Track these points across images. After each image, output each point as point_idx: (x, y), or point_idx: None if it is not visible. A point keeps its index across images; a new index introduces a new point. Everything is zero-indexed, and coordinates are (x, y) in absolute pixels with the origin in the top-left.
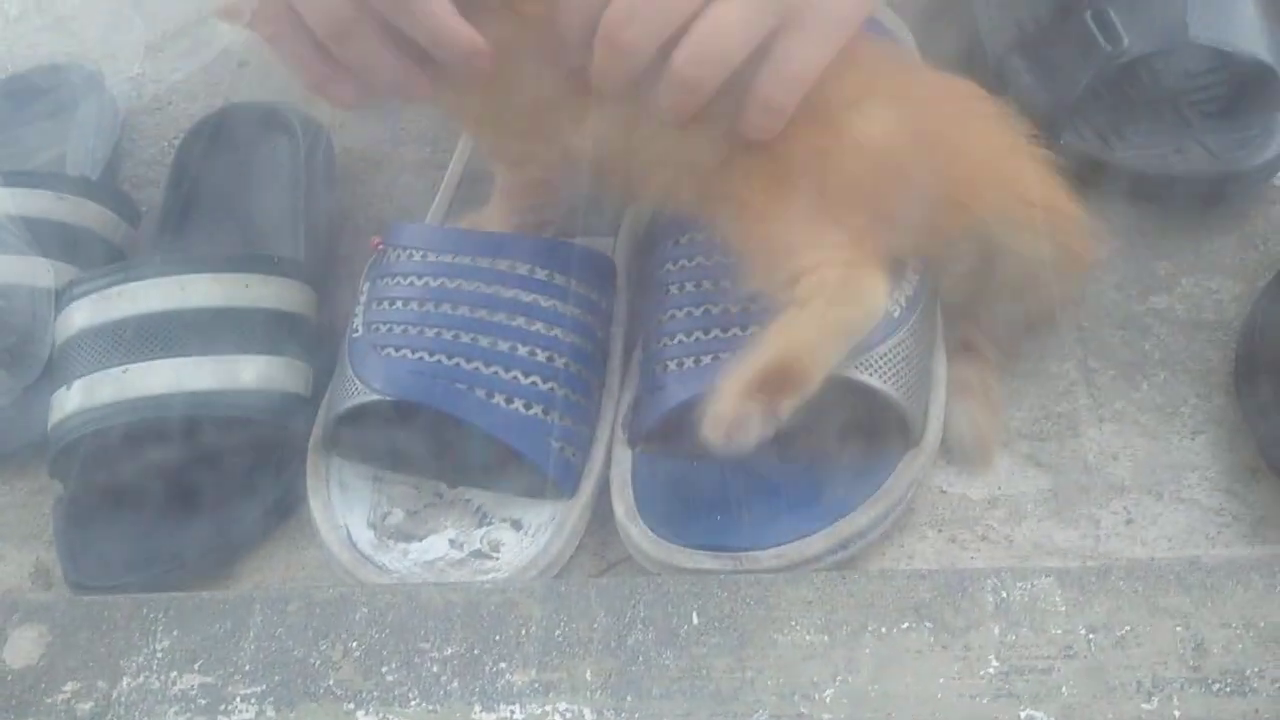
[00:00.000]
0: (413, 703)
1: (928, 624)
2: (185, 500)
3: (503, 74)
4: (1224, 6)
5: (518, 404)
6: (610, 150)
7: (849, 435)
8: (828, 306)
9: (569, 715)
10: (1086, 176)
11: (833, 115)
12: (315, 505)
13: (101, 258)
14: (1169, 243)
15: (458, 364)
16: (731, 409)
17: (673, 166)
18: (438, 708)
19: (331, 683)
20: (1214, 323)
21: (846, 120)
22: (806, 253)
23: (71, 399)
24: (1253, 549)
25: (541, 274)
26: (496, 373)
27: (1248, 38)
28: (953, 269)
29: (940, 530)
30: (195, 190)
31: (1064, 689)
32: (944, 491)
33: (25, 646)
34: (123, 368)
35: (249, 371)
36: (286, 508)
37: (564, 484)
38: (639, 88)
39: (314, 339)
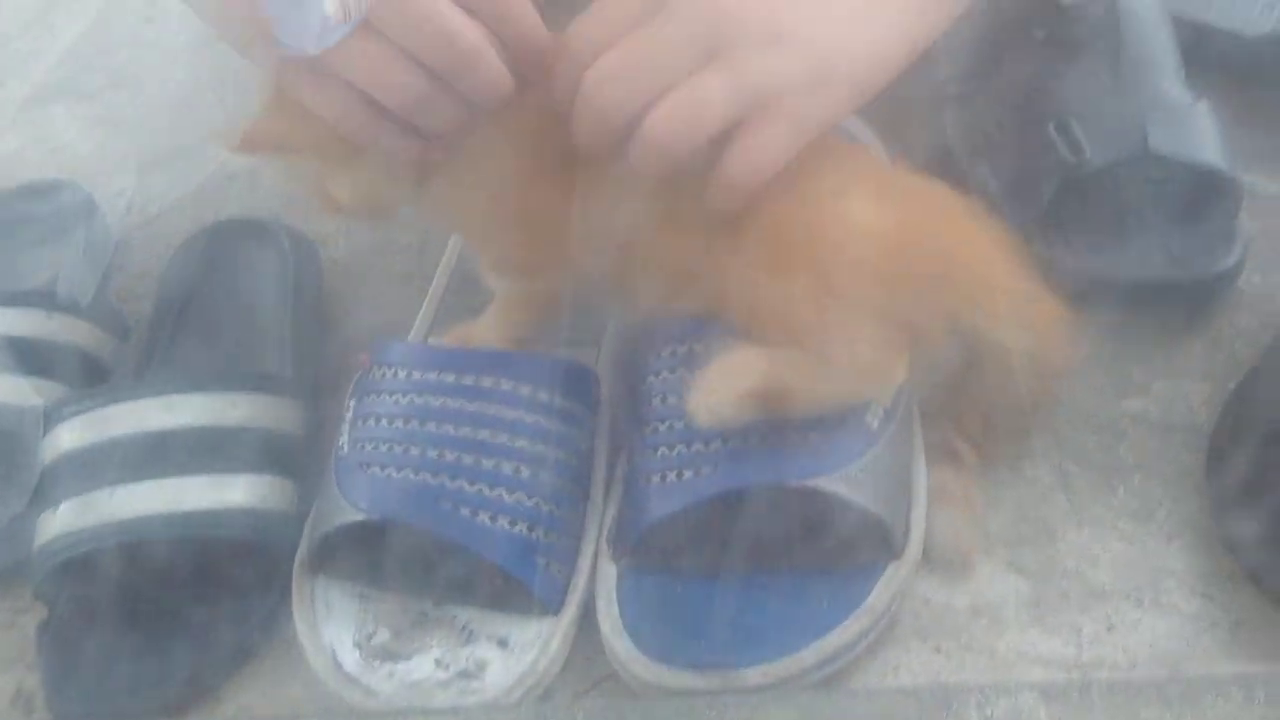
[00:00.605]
0: None
1: None
2: (171, 623)
3: (517, 169)
4: (1182, 118)
5: (503, 521)
6: (616, 252)
7: (831, 548)
8: (850, 375)
9: None
10: (1056, 283)
11: (822, 202)
12: (301, 626)
13: (90, 375)
14: (1140, 347)
15: (443, 482)
16: (722, 401)
17: (679, 266)
18: None
19: None
20: (1186, 426)
21: (836, 207)
22: (836, 328)
23: (58, 521)
24: (1231, 656)
25: (526, 390)
26: (481, 490)
27: (1206, 147)
28: (935, 364)
29: (925, 640)
30: (184, 306)
31: None
32: (927, 601)
33: None
34: (110, 489)
35: (236, 491)
36: (272, 628)
37: (550, 601)
38: (617, 148)
39: (301, 455)
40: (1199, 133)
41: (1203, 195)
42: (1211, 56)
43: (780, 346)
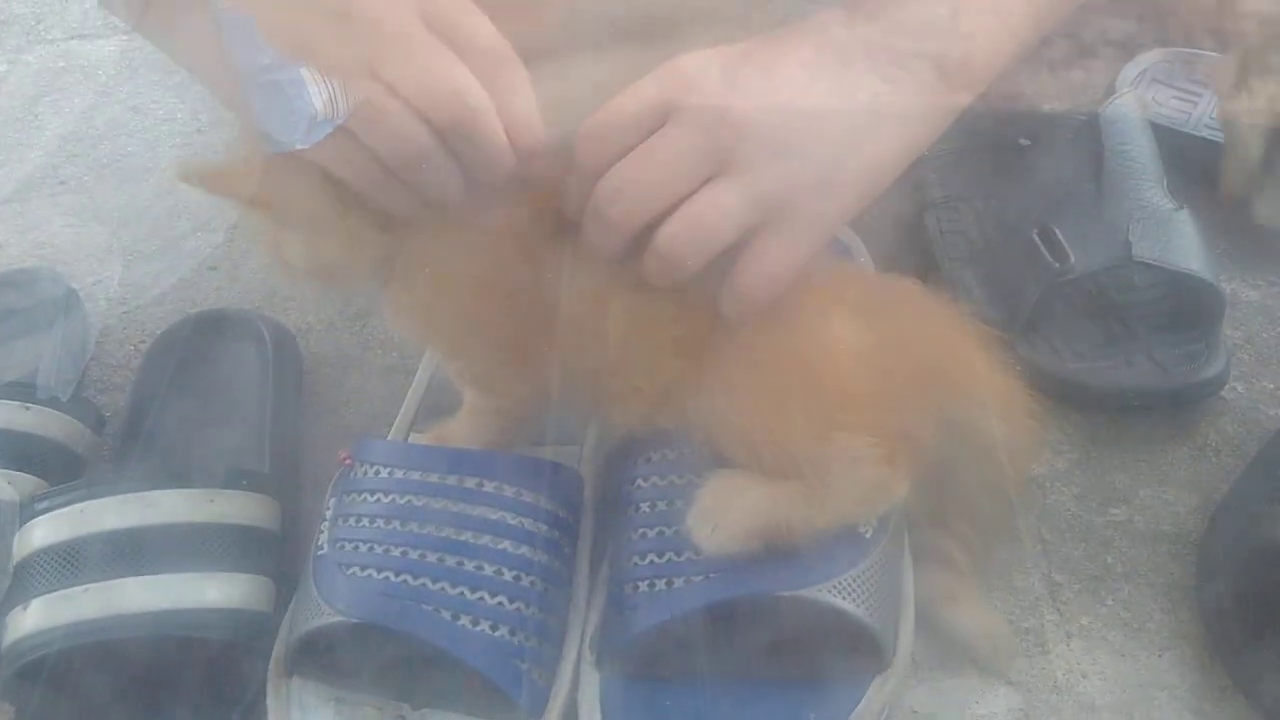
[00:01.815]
0: None
1: None
2: None
3: (482, 284)
4: (1165, 226)
5: (484, 625)
6: (593, 376)
7: (820, 658)
8: (854, 500)
9: None
10: (1040, 388)
11: (808, 325)
12: None
13: (66, 468)
14: (1124, 454)
15: (424, 584)
16: (729, 537)
17: (663, 392)
18: None
19: None
20: (1173, 535)
21: (823, 330)
22: (837, 444)
23: (29, 619)
24: None
25: (509, 491)
26: (463, 593)
27: (1189, 255)
28: (925, 465)
29: None
30: (161, 399)
31: None
32: (915, 712)
33: None
34: (83, 587)
35: (212, 590)
36: None
37: (531, 707)
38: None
39: (278, 554)
40: (1182, 240)
41: (1186, 302)
42: (1190, 164)
43: (778, 474)
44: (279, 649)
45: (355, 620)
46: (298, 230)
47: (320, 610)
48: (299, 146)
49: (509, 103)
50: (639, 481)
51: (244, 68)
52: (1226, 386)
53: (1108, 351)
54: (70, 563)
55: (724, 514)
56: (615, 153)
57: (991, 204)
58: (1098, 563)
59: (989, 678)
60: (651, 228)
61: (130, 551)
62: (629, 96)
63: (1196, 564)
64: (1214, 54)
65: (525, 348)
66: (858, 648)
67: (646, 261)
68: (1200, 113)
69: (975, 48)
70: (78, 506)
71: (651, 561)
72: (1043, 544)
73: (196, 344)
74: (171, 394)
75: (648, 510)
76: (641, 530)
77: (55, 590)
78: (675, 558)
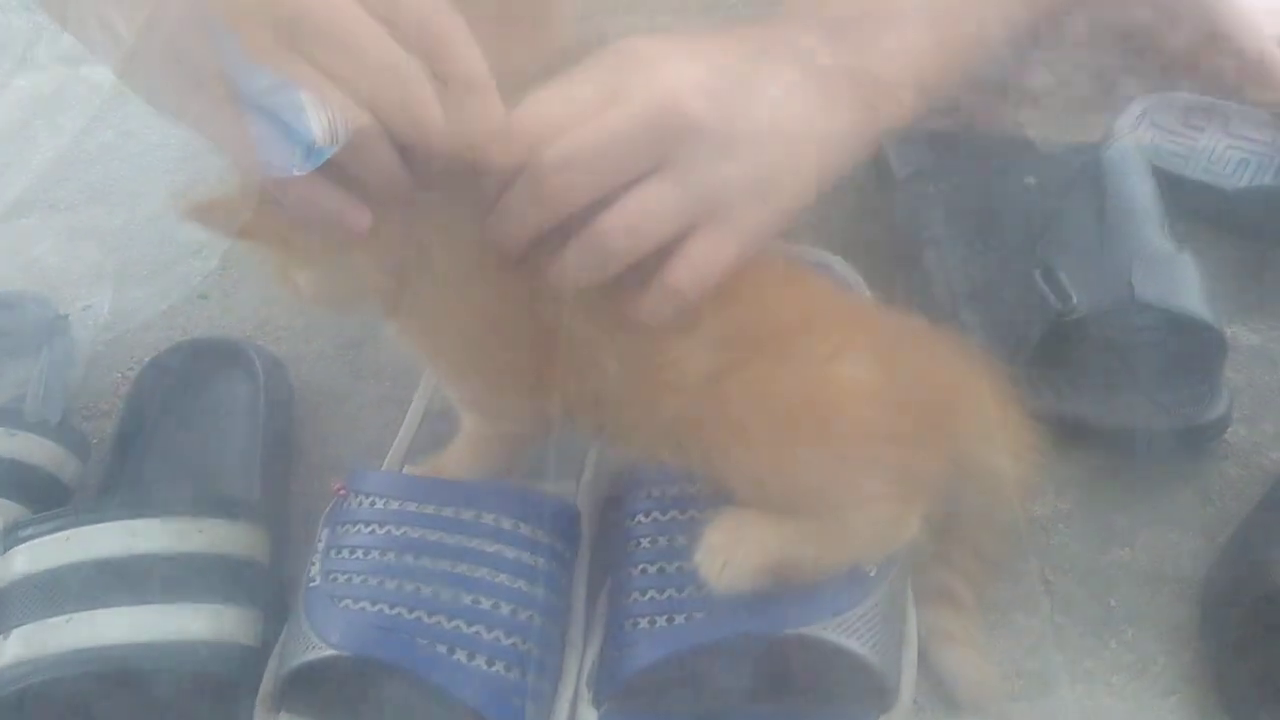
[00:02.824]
0: None
1: None
2: None
3: (490, 310)
4: (1167, 268)
5: (480, 660)
6: (598, 410)
7: (823, 696)
8: (867, 540)
9: None
10: (1042, 428)
11: (820, 369)
12: None
13: (50, 496)
14: (1126, 495)
15: (419, 618)
16: (739, 575)
17: (670, 432)
18: None
19: None
20: (1175, 577)
21: (836, 373)
22: (850, 483)
23: (9, 649)
24: None
25: (507, 524)
26: (459, 627)
27: (1190, 298)
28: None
29: None
30: (149, 426)
31: None
32: None
33: None
34: (66, 617)
35: (198, 622)
36: None
37: None
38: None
39: (267, 586)
40: (1184, 282)
41: (1188, 344)
42: (1191, 209)
43: (788, 512)
44: (267, 684)
45: (349, 654)
46: (303, 264)
47: (312, 644)
48: (296, 173)
49: (446, 48)
50: (639, 517)
51: (241, 91)
52: (1229, 430)
53: (1109, 392)
54: (53, 592)
55: (733, 551)
56: (561, 125)
57: (993, 242)
58: (1100, 604)
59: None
60: (564, 233)
61: (115, 581)
62: (577, 75)
63: (1200, 607)
64: (1212, 99)
65: (530, 375)
66: (861, 687)
67: (575, 253)
68: (1199, 156)
69: (911, 71)
70: (62, 534)
71: (652, 598)
72: (1046, 584)
73: (186, 371)
74: (160, 422)
75: (648, 545)
76: (642, 566)
77: (37, 620)
78: (676, 594)
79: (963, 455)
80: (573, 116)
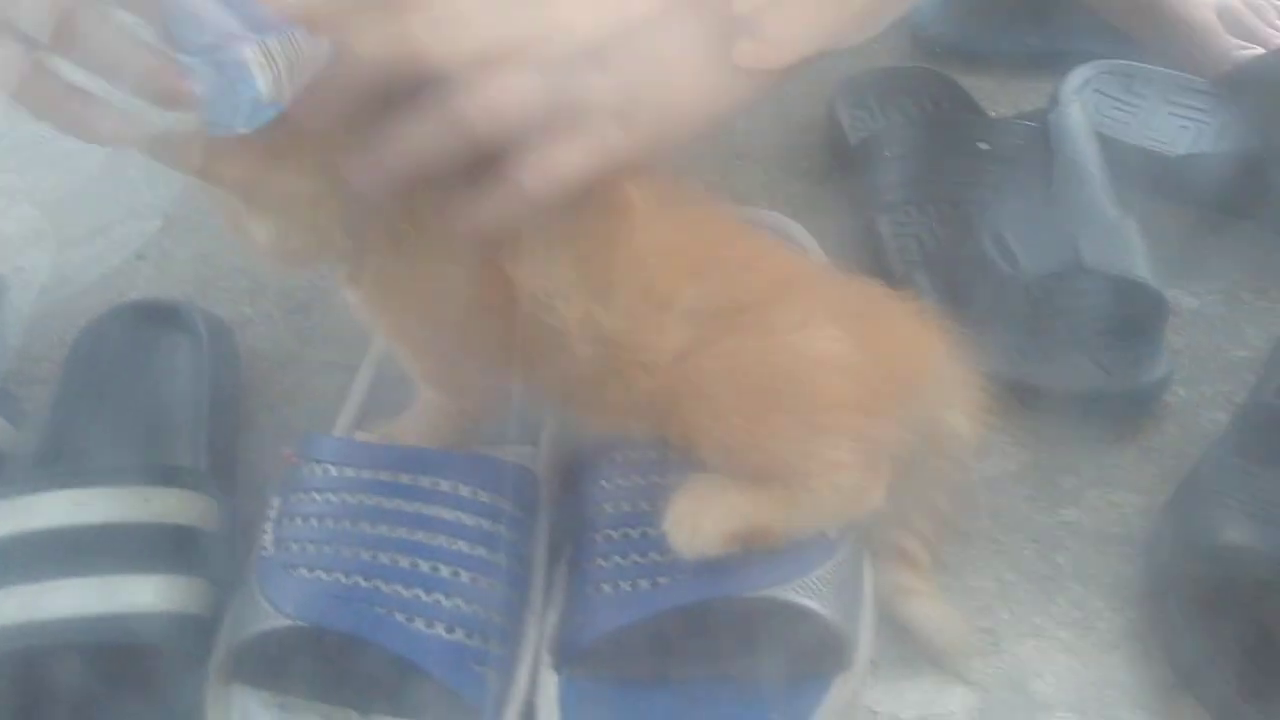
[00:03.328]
0: None
1: None
2: None
3: (454, 286)
4: (1112, 234)
5: (439, 628)
6: (565, 385)
7: (784, 658)
8: (834, 506)
9: None
10: (991, 391)
11: (788, 338)
12: None
13: None
14: (1073, 457)
15: (376, 586)
16: (707, 542)
17: (640, 402)
18: None
19: None
20: (1120, 536)
21: (804, 342)
22: (821, 456)
23: None
24: None
25: (465, 491)
26: (417, 595)
27: (1134, 263)
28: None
29: None
30: (89, 392)
31: None
32: (874, 712)
33: None
34: (6, 590)
35: (146, 593)
36: None
37: (486, 710)
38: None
39: (216, 554)
40: (1129, 248)
41: (1132, 308)
42: (1133, 174)
43: (756, 480)
44: (219, 655)
45: (304, 623)
46: (267, 215)
47: (265, 614)
48: (241, 130)
49: None
50: (602, 482)
51: (185, 48)
52: (1169, 391)
53: (1054, 355)
54: None
55: (701, 518)
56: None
57: (944, 208)
58: (1048, 563)
59: (946, 677)
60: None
61: (58, 553)
62: None
63: (1145, 566)
64: (1155, 67)
65: (494, 354)
66: (822, 646)
67: (425, 129)
68: (1141, 123)
69: (790, 26)
70: (4, 504)
71: (616, 563)
72: (995, 544)
73: (127, 335)
74: (100, 388)
75: (611, 511)
76: (606, 532)
77: None
78: (640, 559)
79: (922, 418)
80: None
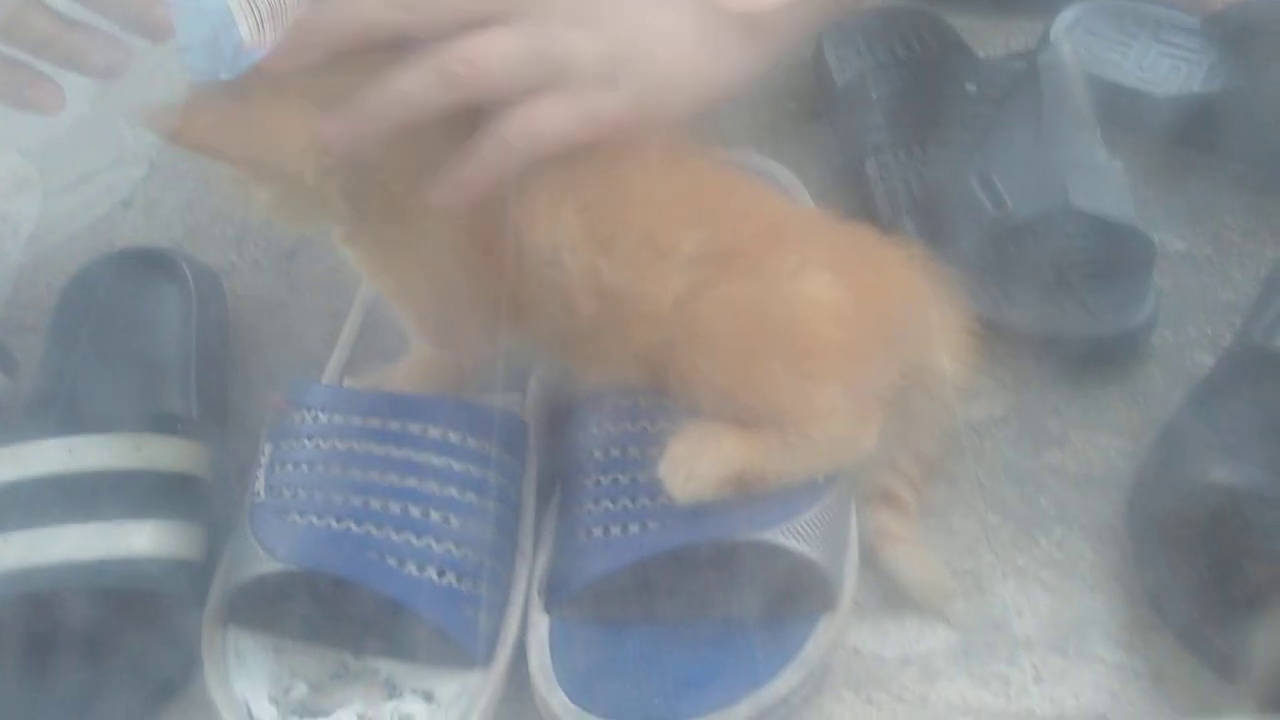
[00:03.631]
0: None
1: None
2: (70, 680)
3: (453, 244)
4: (1101, 176)
5: (430, 571)
6: (560, 336)
7: (771, 599)
8: (826, 451)
9: None
10: (978, 333)
11: (782, 284)
12: (212, 680)
13: None
14: (1057, 399)
15: (368, 531)
16: (702, 486)
17: (635, 350)
18: None
19: None
20: (1104, 478)
21: (798, 289)
22: (812, 395)
23: None
24: (1154, 707)
25: (454, 437)
26: (408, 539)
27: (1121, 206)
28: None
29: (857, 692)
30: (79, 340)
31: None
32: (858, 651)
33: None
34: (4, 536)
35: (140, 538)
36: (181, 683)
37: (478, 653)
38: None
39: (209, 500)
40: (1116, 190)
41: (1118, 251)
42: (1122, 114)
43: (750, 425)
44: (213, 599)
45: (298, 568)
46: (268, 183)
47: (259, 558)
48: (224, 77)
49: None
50: (593, 428)
51: None
52: (1154, 333)
53: (1041, 297)
54: None
55: (696, 463)
56: None
57: (932, 151)
58: (1032, 505)
59: (928, 617)
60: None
61: (52, 500)
62: None
63: (1127, 506)
64: (1145, 5)
65: (492, 310)
66: (809, 589)
67: (412, 78)
68: (1131, 64)
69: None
70: None
71: (606, 508)
72: (979, 487)
73: (116, 283)
74: (90, 336)
75: (601, 456)
76: (596, 477)
77: None
78: (630, 504)
79: (912, 362)
80: None
